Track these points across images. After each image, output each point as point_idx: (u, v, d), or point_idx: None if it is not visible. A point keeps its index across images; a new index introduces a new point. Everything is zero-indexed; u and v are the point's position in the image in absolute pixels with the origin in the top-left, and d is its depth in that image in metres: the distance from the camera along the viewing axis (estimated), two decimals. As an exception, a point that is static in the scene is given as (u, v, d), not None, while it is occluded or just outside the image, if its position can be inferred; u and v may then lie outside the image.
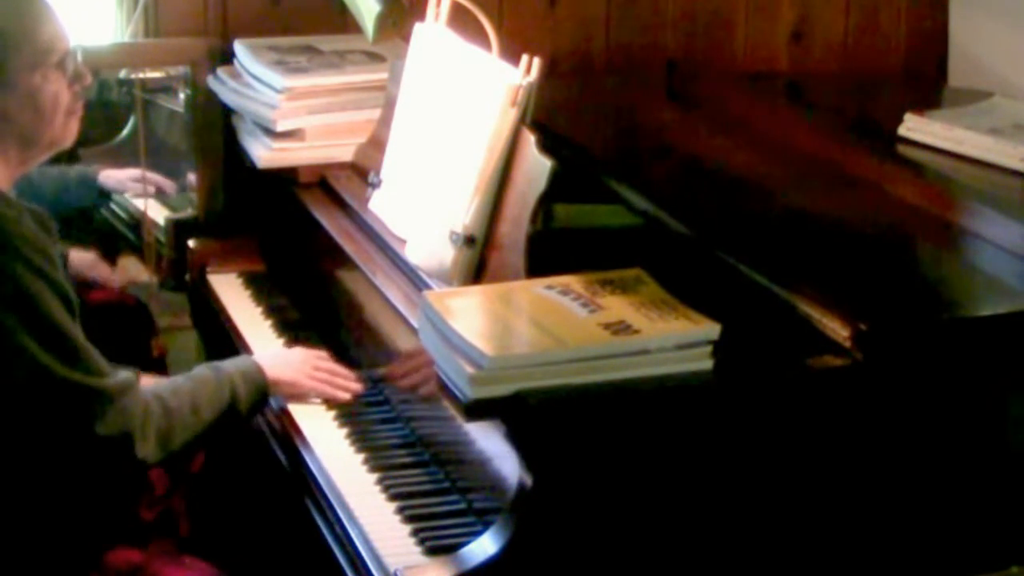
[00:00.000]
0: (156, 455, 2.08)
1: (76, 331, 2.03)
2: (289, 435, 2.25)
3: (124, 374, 2.08)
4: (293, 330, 2.64)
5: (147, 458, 2.07)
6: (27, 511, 2.06)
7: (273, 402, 2.32)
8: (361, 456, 2.16)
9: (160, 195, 3.17)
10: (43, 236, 2.04)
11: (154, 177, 3.13)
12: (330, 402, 2.32)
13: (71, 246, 2.81)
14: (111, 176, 3.10)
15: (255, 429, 2.36)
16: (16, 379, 1.99)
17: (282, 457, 2.26)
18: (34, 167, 2.23)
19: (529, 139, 2.10)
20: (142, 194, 3.13)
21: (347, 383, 2.33)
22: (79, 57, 2.17)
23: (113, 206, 3.20)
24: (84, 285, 2.97)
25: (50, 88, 2.11)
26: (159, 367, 2.87)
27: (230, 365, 2.26)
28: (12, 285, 1.98)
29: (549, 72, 2.17)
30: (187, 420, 2.12)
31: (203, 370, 2.22)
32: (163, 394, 2.12)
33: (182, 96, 3.10)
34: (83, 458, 2.05)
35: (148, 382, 2.32)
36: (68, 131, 2.18)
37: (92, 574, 2.11)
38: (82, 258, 2.91)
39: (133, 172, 3.13)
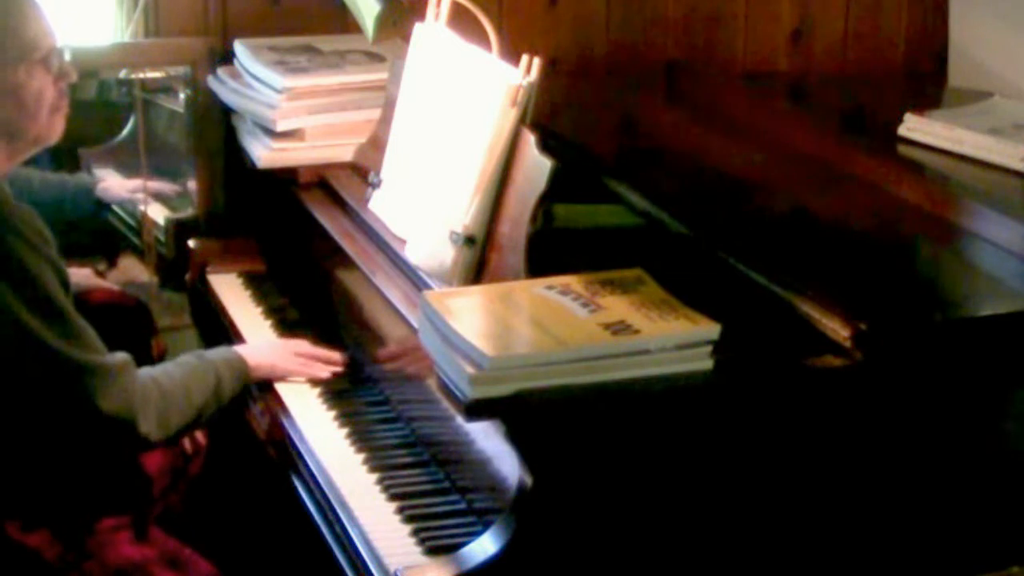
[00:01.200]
0: (157, 433, 2.13)
1: (73, 309, 2.06)
2: (289, 435, 2.25)
3: (120, 354, 2.13)
4: (293, 330, 2.64)
5: (149, 435, 2.11)
6: (26, 486, 2.08)
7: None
8: (361, 456, 2.16)
9: (161, 197, 3.17)
10: (34, 214, 2.07)
11: (154, 186, 3.13)
12: (329, 401, 2.32)
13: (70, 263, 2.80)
14: (109, 190, 3.10)
15: (256, 430, 2.36)
16: (16, 355, 2.00)
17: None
18: (20, 161, 2.25)
19: (529, 139, 2.10)
20: (142, 202, 3.13)
21: (328, 355, 2.40)
22: (65, 55, 2.19)
23: (117, 209, 3.19)
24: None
25: (34, 84, 2.13)
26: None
27: (213, 353, 2.32)
28: (11, 260, 2.00)
29: (549, 72, 2.17)
30: (181, 402, 2.18)
31: (188, 357, 2.28)
32: (157, 376, 2.16)
33: (182, 96, 3.09)
34: (86, 435, 2.07)
35: None
36: (53, 127, 2.20)
37: (91, 568, 2.11)
38: (78, 274, 2.91)
39: (131, 184, 3.13)
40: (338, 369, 2.40)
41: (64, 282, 2.08)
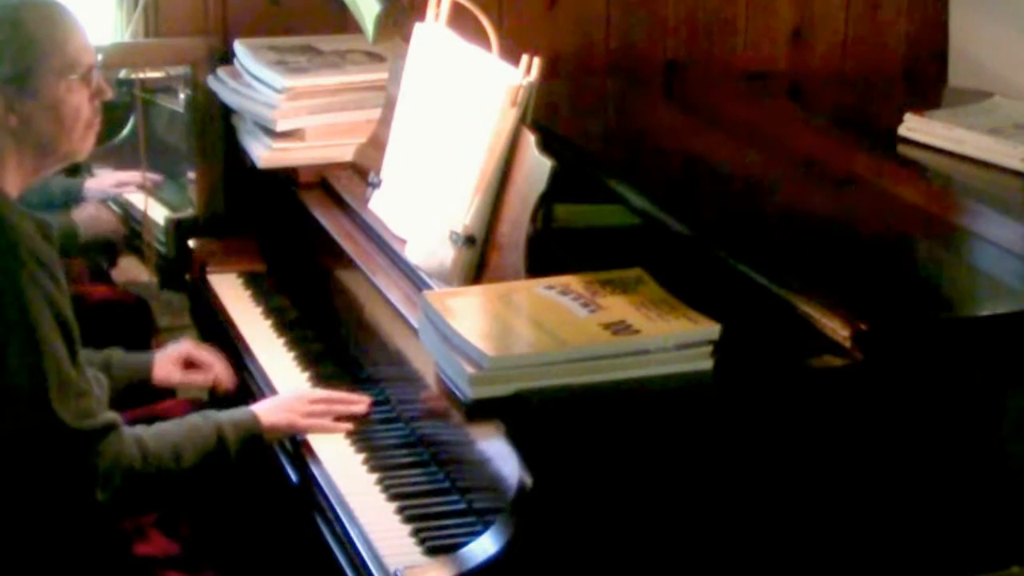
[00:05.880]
0: (117, 498, 2.05)
1: (69, 365, 2.01)
2: (289, 436, 2.25)
3: (108, 416, 2.06)
4: (293, 330, 2.64)
5: (105, 502, 2.04)
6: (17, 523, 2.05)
7: None
8: (361, 456, 2.16)
9: (155, 190, 3.17)
10: (49, 250, 2.03)
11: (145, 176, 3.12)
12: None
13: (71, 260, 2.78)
14: (92, 188, 3.09)
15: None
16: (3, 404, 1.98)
17: (282, 458, 2.26)
18: (46, 175, 2.24)
19: (529, 139, 2.10)
20: (131, 192, 3.13)
21: (347, 408, 2.27)
22: (101, 72, 2.18)
23: (112, 205, 3.20)
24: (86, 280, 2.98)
25: (73, 99, 2.12)
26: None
27: (224, 413, 2.23)
28: (17, 308, 1.97)
29: (549, 72, 2.16)
30: (165, 465, 2.09)
31: (194, 416, 2.21)
32: (145, 438, 2.10)
33: (182, 96, 3.10)
34: (41, 492, 2.03)
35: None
36: (85, 144, 2.19)
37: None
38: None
39: (116, 177, 3.13)
40: (360, 411, 2.27)
41: (68, 331, 2.02)
